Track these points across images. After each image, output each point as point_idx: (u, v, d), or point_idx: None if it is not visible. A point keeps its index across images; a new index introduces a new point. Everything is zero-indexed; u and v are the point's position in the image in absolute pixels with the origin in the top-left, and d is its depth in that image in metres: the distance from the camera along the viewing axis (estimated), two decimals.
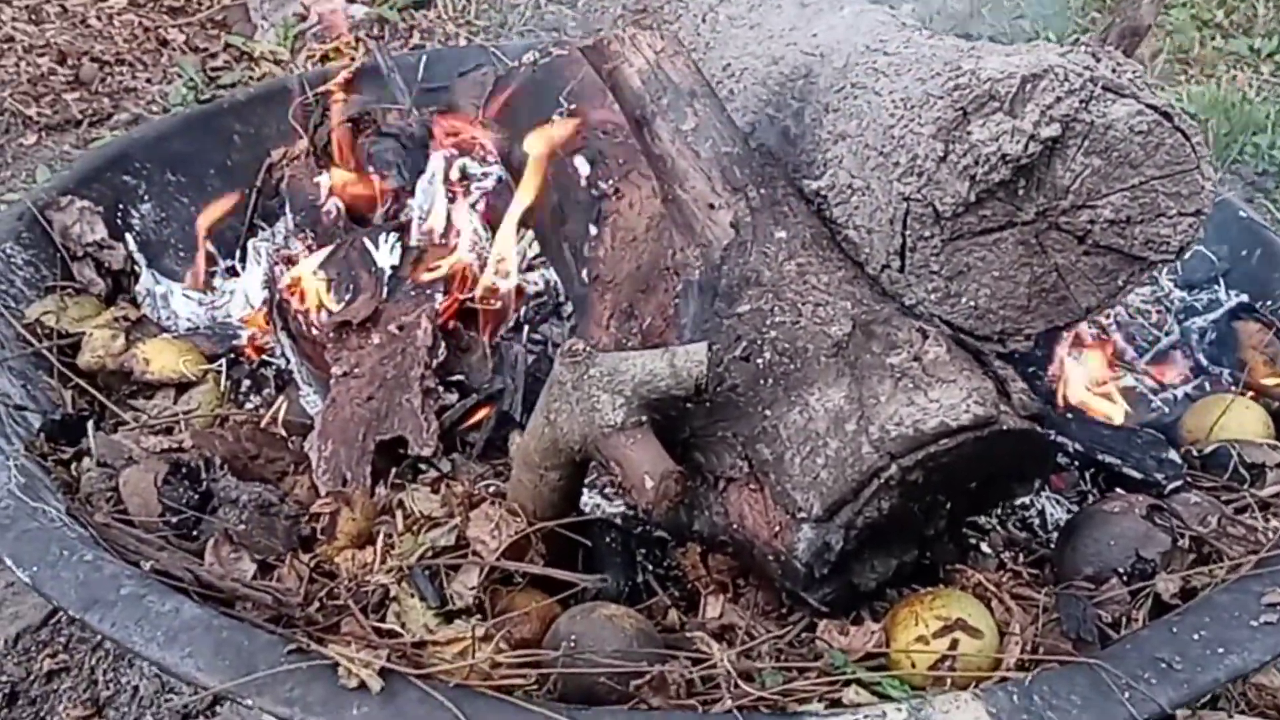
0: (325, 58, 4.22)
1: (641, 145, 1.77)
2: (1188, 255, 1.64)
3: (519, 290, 2.13)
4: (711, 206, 1.71)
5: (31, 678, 2.09)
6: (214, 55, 4.35)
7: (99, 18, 4.51)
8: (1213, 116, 3.87)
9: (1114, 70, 1.58)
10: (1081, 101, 1.54)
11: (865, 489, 1.46)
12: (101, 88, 4.23)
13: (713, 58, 2.15)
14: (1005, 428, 1.47)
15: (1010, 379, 1.54)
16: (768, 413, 1.55)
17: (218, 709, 2.04)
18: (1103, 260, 1.63)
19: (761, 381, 1.56)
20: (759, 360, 1.58)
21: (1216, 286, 2.24)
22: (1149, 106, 1.55)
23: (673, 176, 1.74)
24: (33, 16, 4.34)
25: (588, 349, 1.50)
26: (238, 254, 2.39)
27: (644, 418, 1.50)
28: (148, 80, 4.27)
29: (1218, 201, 2.24)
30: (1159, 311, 2.22)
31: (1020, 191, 1.59)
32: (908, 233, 1.62)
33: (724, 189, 1.71)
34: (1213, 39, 4.40)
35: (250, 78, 4.18)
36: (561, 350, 1.51)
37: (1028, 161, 1.55)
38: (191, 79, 4.13)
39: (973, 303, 1.65)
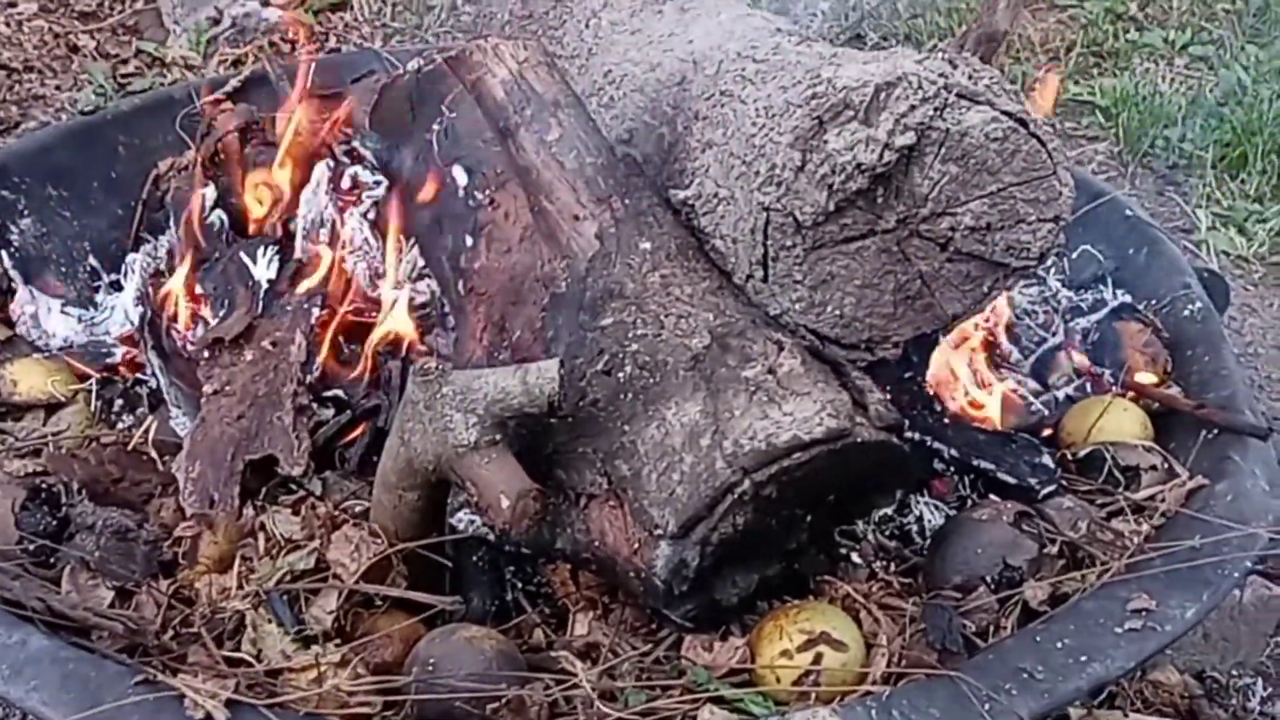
0: (238, 62, 4.18)
1: (507, 156, 1.75)
2: (1049, 261, 1.65)
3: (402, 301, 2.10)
4: (576, 218, 1.70)
5: None
6: (125, 61, 4.28)
7: (8, 24, 4.42)
8: (1125, 110, 3.89)
9: (970, 77, 1.57)
10: (936, 109, 1.54)
11: (719, 505, 1.44)
12: (9, 95, 4.15)
13: (595, 64, 2.13)
14: (860, 440, 1.47)
15: (868, 390, 1.53)
16: (626, 428, 1.53)
17: None
18: (966, 267, 1.63)
19: (622, 396, 1.55)
20: (620, 374, 1.56)
21: (1103, 286, 2.24)
22: (1004, 113, 1.55)
23: (538, 188, 1.72)
24: None
25: (440, 367, 1.48)
26: (122, 268, 2.34)
27: (499, 436, 1.48)
28: (57, 87, 4.19)
29: (1106, 200, 2.26)
30: (1046, 312, 2.23)
31: (880, 200, 1.58)
32: (769, 242, 1.61)
33: (589, 200, 1.70)
34: (1126, 32, 4.41)
35: (161, 83, 4.11)
36: (414, 369, 1.49)
37: (884, 170, 1.55)
38: (101, 86, 4.06)
39: (838, 311, 1.65)
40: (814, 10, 4.37)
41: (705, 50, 1.91)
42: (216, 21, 4.38)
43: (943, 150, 1.55)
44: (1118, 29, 4.45)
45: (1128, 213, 2.34)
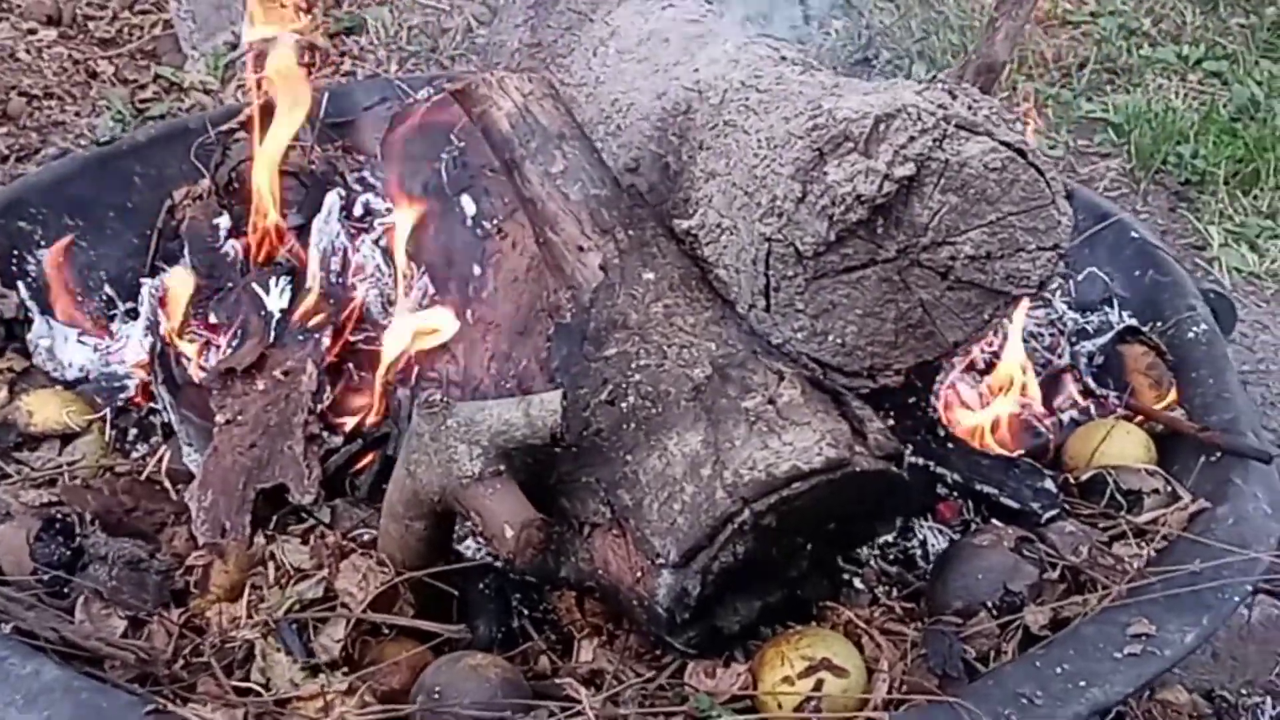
0: (256, 86, 4.22)
1: (513, 188, 1.77)
2: (1051, 287, 1.65)
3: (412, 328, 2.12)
4: (581, 249, 1.72)
5: None
6: (143, 86, 4.32)
7: (28, 51, 4.48)
8: (1138, 127, 3.89)
9: (969, 107, 1.58)
10: (935, 140, 1.55)
11: (720, 534, 1.46)
12: (29, 122, 4.20)
13: (602, 92, 2.15)
14: (859, 469, 1.48)
15: (867, 419, 1.55)
16: (629, 458, 1.55)
17: None
18: (967, 295, 1.64)
19: (625, 426, 1.57)
20: (623, 404, 1.58)
21: (1109, 309, 2.25)
22: (1003, 143, 1.56)
23: (544, 219, 1.74)
24: None
25: (444, 400, 1.51)
26: (139, 297, 2.38)
27: (503, 467, 1.50)
28: (76, 113, 4.24)
29: (1113, 222, 2.27)
30: (1052, 334, 2.24)
31: (880, 230, 1.59)
32: (771, 272, 1.63)
33: (593, 231, 1.72)
34: (1140, 48, 4.41)
35: (179, 108, 4.16)
36: (418, 401, 1.51)
37: (884, 201, 1.56)
38: (119, 112, 4.11)
39: (840, 340, 1.66)
40: (827, 30, 4.40)
41: (710, 79, 1.92)
42: (234, 46, 4.41)
43: (942, 180, 1.56)
44: (1131, 45, 4.44)
45: (1134, 234, 2.35)
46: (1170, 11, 4.61)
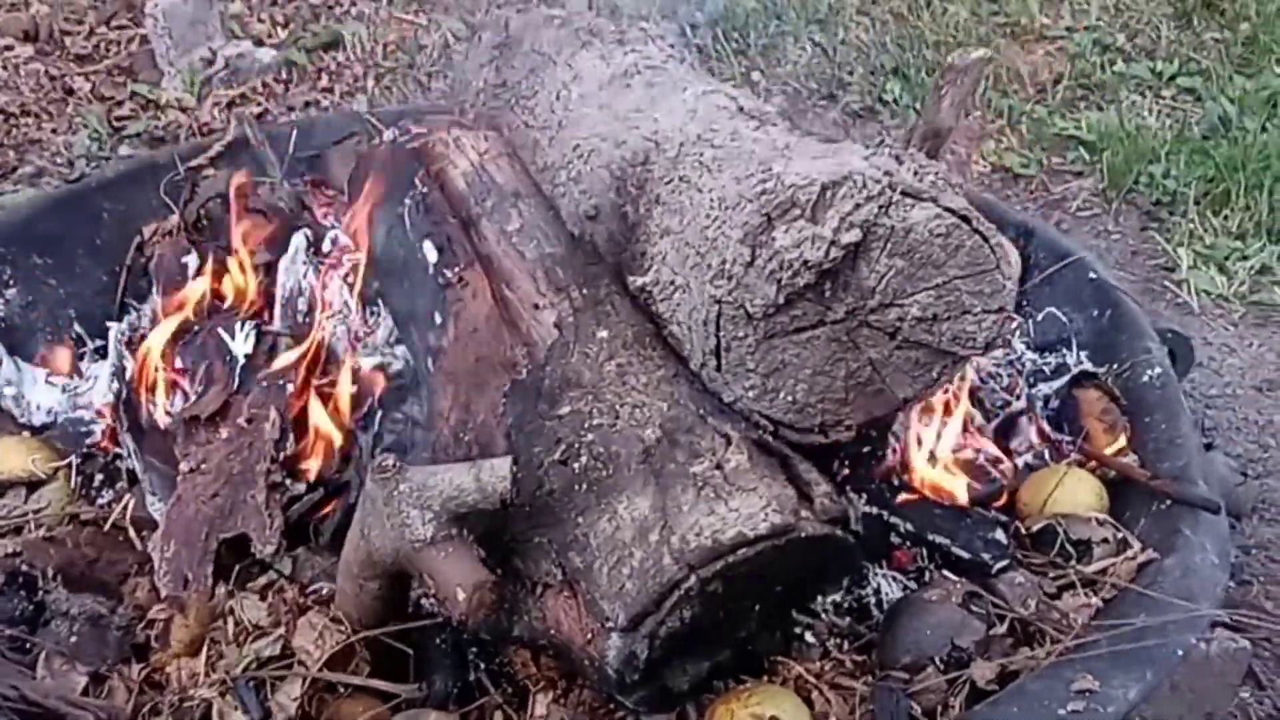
0: (231, 104, 4.24)
1: (469, 244, 1.79)
2: (994, 348, 1.68)
3: (379, 372, 2.15)
4: (536, 306, 1.74)
5: None
6: (120, 104, 4.33)
7: (4, 67, 4.48)
8: (1110, 145, 3.92)
9: (915, 173, 1.61)
10: (881, 207, 1.57)
11: (666, 600, 1.49)
12: (6, 140, 4.20)
13: (564, 136, 2.17)
14: (804, 534, 1.51)
15: (814, 482, 1.57)
16: (580, 520, 1.57)
17: None
18: (915, 354, 1.66)
19: (576, 487, 1.59)
20: (575, 464, 1.60)
21: (1066, 350, 2.28)
22: (947, 210, 1.58)
23: (500, 276, 1.77)
24: None
25: (396, 464, 1.53)
26: (108, 335, 2.39)
27: (454, 531, 1.52)
28: (53, 130, 4.24)
29: (1071, 261, 2.30)
30: (1010, 375, 2.26)
31: (828, 293, 1.62)
32: (722, 333, 1.65)
33: (548, 289, 1.74)
34: (1114, 63, 4.43)
35: (156, 126, 4.17)
36: (371, 467, 1.54)
37: (831, 266, 1.58)
38: (96, 130, 4.12)
39: (791, 398, 1.68)
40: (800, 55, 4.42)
41: (667, 131, 1.94)
42: (210, 62, 4.42)
43: (889, 245, 1.58)
44: (1105, 60, 4.46)
45: (1092, 275, 2.37)
46: (1145, 27, 4.64)
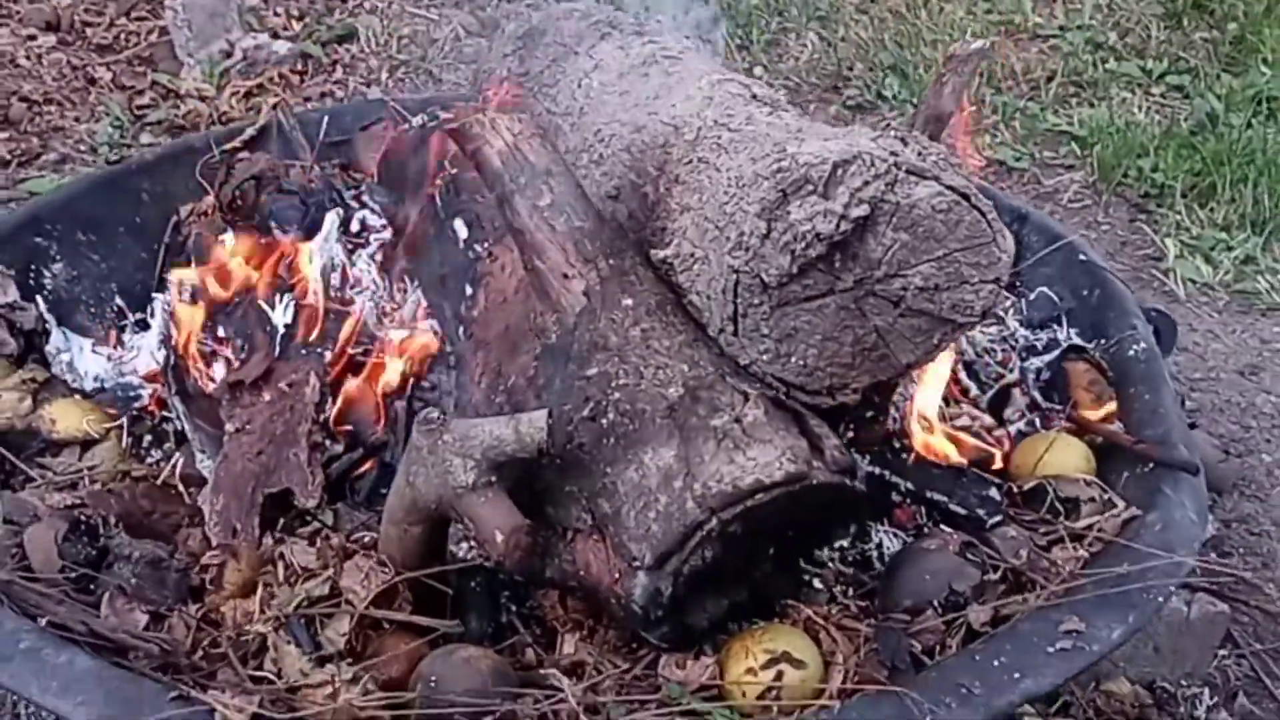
0: (249, 94, 4.35)
1: (503, 219, 1.92)
2: (996, 312, 1.81)
3: (410, 343, 2.27)
4: (566, 276, 1.87)
5: None
6: (141, 93, 4.44)
7: (28, 57, 4.58)
8: (1101, 140, 4.05)
9: (919, 154, 1.75)
10: (887, 184, 1.71)
11: (690, 540, 1.62)
12: (30, 127, 4.31)
13: (586, 122, 2.30)
14: (816, 482, 1.64)
15: (825, 436, 1.71)
16: (608, 470, 1.71)
17: None
18: (917, 322, 1.79)
19: (604, 441, 1.73)
20: (603, 421, 1.74)
21: (1057, 326, 2.41)
22: (949, 188, 1.72)
23: (531, 248, 1.90)
24: None
25: (441, 418, 1.66)
26: (148, 308, 2.52)
27: (494, 478, 1.65)
28: (76, 119, 4.35)
29: (1063, 244, 2.43)
30: (1004, 350, 2.39)
31: (838, 263, 1.75)
32: (739, 300, 1.79)
33: (577, 260, 1.87)
34: (1105, 61, 4.57)
35: (176, 115, 4.28)
36: (418, 419, 1.67)
37: (841, 238, 1.72)
38: (118, 118, 4.23)
39: (802, 362, 1.82)
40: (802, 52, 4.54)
41: (685, 116, 2.08)
42: (228, 54, 4.53)
43: (894, 220, 1.72)
44: (1097, 58, 4.60)
45: (1082, 256, 2.51)
46: (1136, 25, 4.77)
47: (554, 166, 1.91)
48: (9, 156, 4.18)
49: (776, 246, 1.73)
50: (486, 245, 2.12)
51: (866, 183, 1.70)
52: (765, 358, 1.82)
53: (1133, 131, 4.08)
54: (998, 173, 4.04)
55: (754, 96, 2.11)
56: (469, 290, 2.11)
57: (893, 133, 1.77)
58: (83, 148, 4.22)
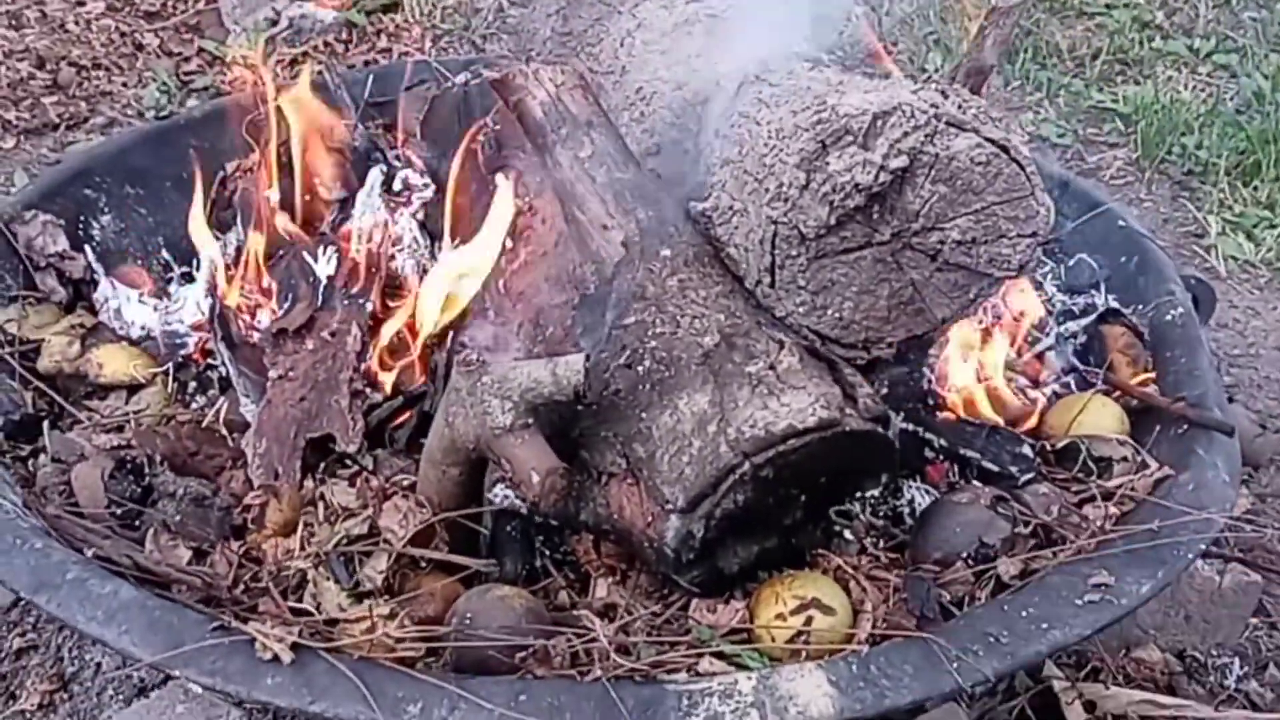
0: (294, 62, 4.39)
1: (544, 170, 1.95)
2: (1027, 270, 1.82)
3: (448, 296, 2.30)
4: (605, 227, 1.89)
5: (1, 655, 2.26)
6: (187, 59, 4.49)
7: (77, 23, 4.64)
8: (1145, 117, 4.03)
9: (959, 107, 1.75)
10: (926, 136, 1.72)
11: (723, 484, 1.64)
12: (78, 91, 4.36)
13: (628, 80, 2.32)
14: (848, 429, 1.66)
15: (858, 385, 1.72)
16: (643, 415, 1.73)
17: (170, 682, 2.21)
18: (954, 276, 1.81)
19: (640, 387, 1.75)
20: (639, 368, 1.76)
21: (1095, 292, 2.41)
22: (988, 140, 1.73)
23: (572, 199, 1.92)
24: (13, 22, 4.49)
25: (480, 360, 1.69)
26: (194, 261, 2.56)
27: (531, 420, 1.68)
28: (123, 84, 4.41)
29: (1102, 211, 2.43)
30: (1042, 315, 2.40)
31: (876, 215, 1.77)
32: (776, 252, 1.80)
33: (616, 211, 1.89)
34: (1152, 40, 4.54)
35: (221, 81, 4.32)
36: (457, 361, 1.69)
37: (879, 189, 1.73)
38: (165, 83, 4.28)
39: (838, 314, 1.83)
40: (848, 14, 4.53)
41: (727, 72, 2.09)
42: (274, 22, 4.57)
43: (932, 172, 1.73)
44: (1143, 37, 4.57)
45: (1121, 223, 2.51)
46: (1183, 5, 4.73)
47: (595, 118, 1.93)
48: (57, 120, 4.23)
49: (815, 197, 1.74)
50: (527, 199, 2.15)
51: (906, 134, 1.71)
52: (801, 310, 1.83)
53: (1177, 109, 4.06)
54: (1040, 149, 4.02)
55: (794, 53, 2.12)
56: (509, 243, 2.13)
57: (934, 85, 1.78)
58: (130, 112, 4.27)
